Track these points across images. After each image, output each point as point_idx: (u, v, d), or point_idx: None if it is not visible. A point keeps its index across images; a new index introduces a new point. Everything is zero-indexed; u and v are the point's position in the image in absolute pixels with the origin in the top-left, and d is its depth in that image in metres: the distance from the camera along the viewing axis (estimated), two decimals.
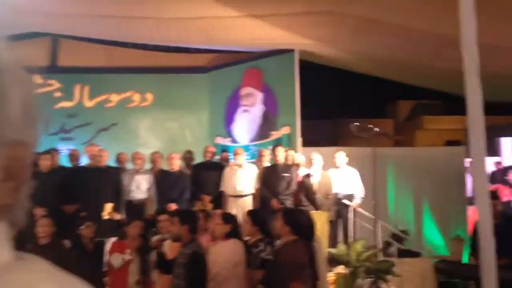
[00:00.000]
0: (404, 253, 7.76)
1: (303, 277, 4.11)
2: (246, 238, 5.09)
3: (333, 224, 7.86)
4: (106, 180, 7.75)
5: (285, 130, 9.72)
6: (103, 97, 10.88)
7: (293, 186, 7.93)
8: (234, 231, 4.82)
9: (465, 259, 7.87)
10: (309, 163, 8.24)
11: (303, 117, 9.68)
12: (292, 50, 9.74)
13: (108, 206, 7.32)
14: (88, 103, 10.87)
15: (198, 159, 8.82)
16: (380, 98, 14.71)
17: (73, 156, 8.28)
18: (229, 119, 10.64)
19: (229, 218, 4.96)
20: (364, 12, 7.81)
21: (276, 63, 10.10)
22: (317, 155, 8.25)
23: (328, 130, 14.56)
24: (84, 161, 8.57)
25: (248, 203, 7.93)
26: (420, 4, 7.09)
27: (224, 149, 9.92)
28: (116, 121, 10.75)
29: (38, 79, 10.68)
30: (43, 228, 5.51)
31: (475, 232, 5.63)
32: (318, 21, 8.20)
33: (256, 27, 8.63)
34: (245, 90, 10.52)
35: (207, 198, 8.03)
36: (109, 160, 8.22)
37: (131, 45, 10.49)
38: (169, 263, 4.65)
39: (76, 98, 10.87)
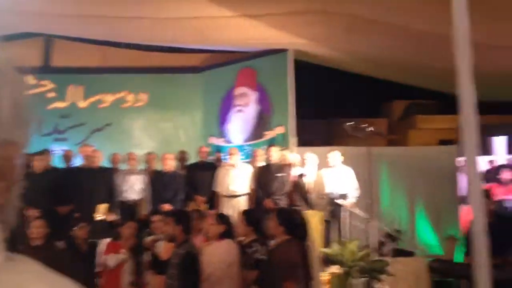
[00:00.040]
0: (398, 253, 7.77)
1: (296, 277, 4.13)
2: (241, 238, 5.09)
3: (327, 223, 7.87)
4: (100, 181, 7.74)
5: (279, 130, 9.72)
6: (97, 97, 10.84)
7: (287, 186, 7.94)
8: (228, 232, 4.83)
9: (457, 258, 7.89)
10: (303, 162, 8.24)
11: (298, 117, 9.68)
12: (286, 50, 9.75)
13: (102, 207, 7.30)
14: (82, 104, 10.83)
15: (193, 159, 8.82)
16: (374, 98, 14.71)
17: (67, 157, 8.26)
18: (223, 119, 10.63)
19: (223, 219, 4.97)
20: (358, 12, 7.82)
21: (270, 63, 10.10)
22: (311, 154, 8.26)
23: (322, 129, 14.55)
24: (77, 161, 8.55)
25: (241, 203, 7.93)
26: (415, 4, 7.10)
27: (218, 149, 9.91)
28: (110, 122, 10.72)
29: (31, 79, 10.65)
30: (36, 229, 5.50)
31: (469, 231, 5.65)
32: (312, 20, 8.20)
33: (250, 27, 8.63)
34: (239, 90, 10.51)
35: (201, 199, 8.03)
36: (103, 161, 8.20)
37: (124, 45, 10.46)
38: (163, 263, 4.65)
39: (69, 98, 10.83)
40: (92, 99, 10.83)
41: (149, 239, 5.52)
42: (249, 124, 10.28)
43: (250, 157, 8.96)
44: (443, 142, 11.73)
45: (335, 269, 6.56)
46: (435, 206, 9.81)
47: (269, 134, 9.85)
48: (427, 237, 9.71)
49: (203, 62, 11.35)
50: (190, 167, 8.57)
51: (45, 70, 10.75)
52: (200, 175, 8.28)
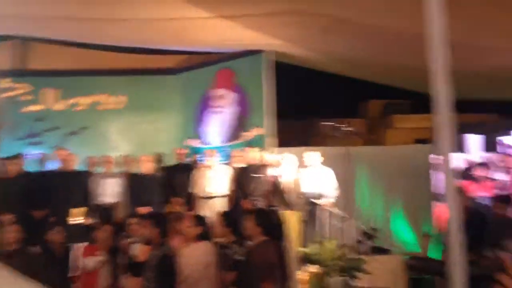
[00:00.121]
0: (375, 251, 7.84)
1: (274, 278, 4.14)
2: (218, 239, 5.09)
3: (305, 223, 7.90)
4: (75, 185, 7.67)
5: (257, 131, 9.73)
6: (72, 100, 10.72)
7: (265, 187, 7.95)
8: (205, 233, 4.82)
9: (431, 254, 7.99)
10: (281, 163, 8.26)
11: (276, 118, 9.70)
12: (264, 51, 9.76)
13: (78, 211, 7.23)
14: (57, 107, 10.71)
15: (170, 161, 8.78)
16: (351, 98, 14.81)
17: (42, 161, 8.15)
18: (201, 120, 10.60)
19: (200, 220, 4.96)
20: (334, 12, 7.86)
21: (248, 64, 10.10)
22: (288, 155, 8.29)
23: (300, 130, 14.61)
24: (53, 165, 8.44)
25: (218, 205, 7.92)
26: (390, 4, 7.16)
27: (196, 151, 9.88)
28: (87, 125, 10.62)
29: (5, 82, 10.50)
30: (11, 234, 5.42)
31: (446, 229, 5.72)
32: (288, 21, 8.22)
33: (227, 28, 8.62)
34: (217, 92, 10.49)
35: (178, 201, 7.99)
36: (79, 164, 8.11)
37: (100, 47, 10.35)
38: (139, 265, 4.62)
39: (45, 101, 10.70)
40: (68, 102, 10.71)
41: (125, 241, 5.47)
42: (227, 125, 10.27)
43: (228, 159, 8.95)
44: (419, 141, 11.87)
45: (313, 268, 6.60)
46: (412, 204, 9.94)
47: (247, 135, 9.85)
48: (404, 235, 9.82)
49: (180, 64, 11.30)
50: (167, 169, 8.53)
51: (20, 73, 10.61)
52: (177, 177, 8.25)
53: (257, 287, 4.08)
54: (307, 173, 8.28)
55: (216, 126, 10.37)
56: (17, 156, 7.76)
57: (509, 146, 9.78)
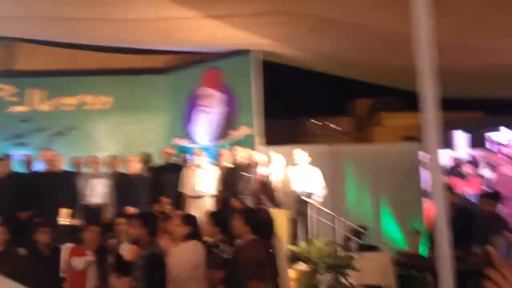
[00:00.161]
0: (364, 248, 7.87)
1: (262, 276, 4.13)
2: (207, 238, 5.07)
3: (294, 221, 7.91)
4: (62, 185, 7.61)
5: (245, 130, 9.72)
6: (59, 101, 10.65)
7: (253, 186, 7.95)
8: (194, 233, 4.80)
9: (421, 251, 8.04)
10: (269, 162, 8.26)
11: (264, 117, 9.70)
12: (251, 50, 9.75)
13: (65, 211, 7.17)
14: (44, 107, 10.63)
15: (157, 161, 8.74)
16: (340, 97, 14.85)
17: (28, 162, 8.07)
18: (189, 120, 10.57)
19: (188, 220, 4.93)
20: (321, 12, 7.87)
21: (236, 63, 10.09)
22: (276, 154, 8.29)
23: (288, 129, 14.62)
24: (39, 166, 8.37)
25: (207, 204, 7.91)
26: (376, 4, 7.19)
27: (184, 150, 9.85)
28: (73, 125, 10.56)
29: None
30: None
31: (433, 225, 5.75)
32: (276, 21, 8.23)
33: (214, 27, 8.60)
34: (204, 91, 10.47)
35: (166, 200, 7.97)
36: (65, 165, 8.05)
37: (87, 47, 10.28)
38: (127, 265, 4.59)
39: (31, 102, 10.62)
40: (55, 103, 10.64)
41: (113, 241, 5.44)
42: (214, 124, 10.25)
43: (216, 158, 8.94)
44: (407, 139, 11.93)
45: (302, 266, 6.61)
46: (400, 201, 9.98)
47: (235, 134, 9.84)
48: (392, 232, 9.86)
49: (168, 63, 11.27)
50: (154, 169, 8.50)
51: (6, 74, 10.51)
52: (165, 177, 8.23)
53: (246, 286, 4.07)
54: (296, 171, 8.28)
55: (204, 125, 10.35)
56: (3, 158, 7.68)
57: (497, 143, 9.88)
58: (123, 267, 4.73)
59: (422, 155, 9.28)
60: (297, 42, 9.37)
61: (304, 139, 12.47)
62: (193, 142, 10.33)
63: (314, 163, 8.62)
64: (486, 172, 9.47)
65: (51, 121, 10.51)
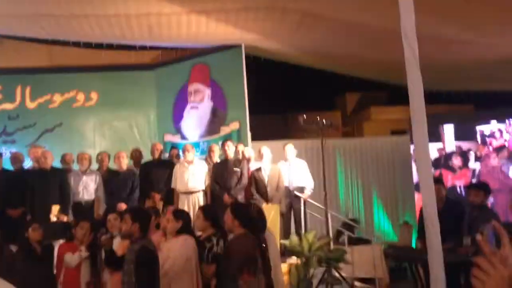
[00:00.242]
0: (355, 241, 7.93)
1: (253, 270, 4.15)
2: (199, 233, 5.09)
3: (285, 216, 7.93)
4: (52, 182, 7.56)
5: (234, 125, 9.73)
6: (46, 97, 10.58)
7: (244, 181, 7.96)
8: (185, 227, 4.81)
9: (414, 244, 8.10)
10: (259, 157, 8.28)
11: (253, 112, 9.71)
12: (239, 45, 9.74)
13: (55, 209, 7.14)
14: (31, 104, 10.56)
15: (147, 157, 8.73)
16: (328, 91, 14.92)
17: (16, 159, 8.00)
18: (177, 116, 10.55)
19: (180, 215, 4.93)
20: (307, 7, 7.89)
21: (223, 58, 10.08)
22: (266, 149, 8.30)
23: (278, 123, 14.68)
24: (27, 163, 8.33)
25: (199, 199, 7.92)
26: (362, 0, 7.23)
27: (174, 146, 9.84)
28: (61, 122, 10.50)
29: None
30: None
31: (421, 217, 5.80)
32: (262, 16, 8.23)
33: (200, 23, 8.58)
34: (192, 87, 10.45)
35: (157, 196, 7.96)
36: (54, 162, 8.01)
37: (73, 43, 10.22)
38: (118, 259, 4.59)
39: (17, 99, 10.54)
40: (41, 100, 10.57)
41: (104, 237, 5.43)
42: (204, 120, 10.25)
43: (206, 153, 8.94)
44: (396, 132, 12.01)
45: (294, 260, 6.64)
46: (390, 195, 10.06)
47: (224, 130, 9.84)
48: (383, 224, 9.94)
49: (155, 59, 11.24)
50: (144, 165, 8.48)
51: None
52: (155, 173, 8.21)
53: (236, 280, 4.10)
54: (286, 166, 8.31)
55: (193, 121, 10.34)
56: None
57: (486, 136, 9.96)
58: (115, 262, 4.73)
59: (412, 148, 9.35)
60: (285, 37, 9.38)
61: (293, 134, 12.51)
62: (183, 137, 10.32)
63: (304, 157, 8.65)
64: (476, 165, 9.56)
65: (38, 118, 10.44)
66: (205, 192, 8.08)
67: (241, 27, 8.76)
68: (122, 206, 7.44)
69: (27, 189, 7.44)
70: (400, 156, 10.07)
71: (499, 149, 9.58)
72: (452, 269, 4.62)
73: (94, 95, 10.73)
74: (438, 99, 10.84)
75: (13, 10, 7.87)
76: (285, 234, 7.59)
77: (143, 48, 10.82)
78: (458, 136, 10.12)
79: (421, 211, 5.57)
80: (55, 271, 5.90)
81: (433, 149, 9.81)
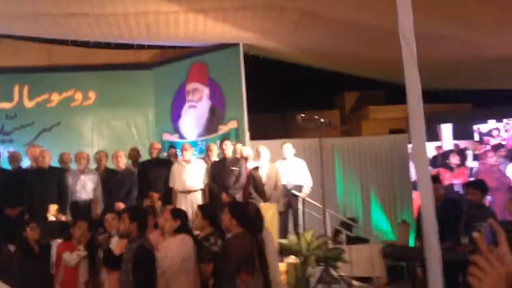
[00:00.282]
0: (353, 240, 7.93)
1: (251, 269, 4.15)
2: (197, 232, 5.08)
3: (283, 215, 7.93)
4: (50, 181, 7.55)
5: (232, 124, 9.72)
6: (43, 97, 10.57)
7: (242, 180, 7.95)
8: (183, 227, 4.80)
9: (411, 243, 8.11)
10: (257, 156, 8.28)
11: (251, 111, 9.71)
12: (237, 44, 9.74)
13: (53, 208, 7.13)
14: (28, 104, 10.54)
15: (146, 156, 8.73)
16: (327, 90, 14.93)
17: (14, 158, 7.99)
18: (175, 115, 10.55)
19: (178, 214, 4.93)
20: (305, 6, 7.89)
21: (222, 57, 10.07)
22: (264, 147, 8.30)
23: (276, 122, 14.68)
24: (25, 163, 8.32)
25: (197, 199, 7.92)
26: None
27: (172, 145, 9.83)
28: (59, 121, 10.49)
29: None
30: None
31: (419, 216, 5.80)
32: (260, 14, 8.23)
33: (198, 22, 8.58)
34: (191, 86, 10.45)
35: (155, 195, 7.95)
36: (52, 161, 8.00)
37: (71, 42, 10.21)
38: (116, 259, 4.59)
39: (15, 98, 10.52)
40: (39, 99, 10.56)
41: (102, 236, 5.44)
42: (202, 119, 10.24)
43: (204, 152, 8.93)
44: (394, 131, 12.02)
45: (292, 259, 6.64)
46: (388, 194, 10.06)
47: (222, 129, 9.84)
48: (381, 223, 9.95)
49: (153, 58, 11.23)
50: (142, 164, 8.48)
51: None
52: (153, 172, 8.20)
53: (234, 279, 4.10)
54: (284, 165, 8.31)
55: (191, 120, 10.34)
56: None
57: (483, 134, 9.98)
58: (112, 262, 4.73)
59: (410, 147, 9.36)
60: (283, 36, 9.38)
61: (292, 133, 12.52)
62: (182, 137, 10.32)
63: (303, 156, 8.65)
64: (473, 164, 9.57)
65: (36, 117, 10.44)
66: (203, 191, 8.08)
67: (239, 26, 8.75)
68: (120, 205, 7.44)
69: (25, 188, 7.43)
70: (398, 155, 10.08)
71: (496, 148, 9.59)
72: (450, 268, 4.63)
73: (92, 94, 10.73)
74: (436, 98, 10.85)
75: (11, 9, 7.85)
76: (283, 233, 7.59)
77: (141, 47, 10.81)
78: (456, 135, 10.13)
79: (419, 210, 5.57)
80: (53, 271, 5.89)
81: (431, 148, 9.82)
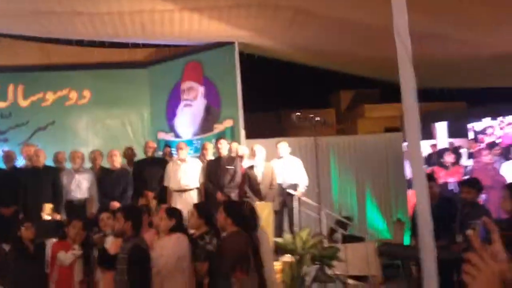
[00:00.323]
0: (349, 239, 7.93)
1: (246, 268, 4.15)
2: (192, 231, 5.08)
3: (278, 214, 7.92)
4: (44, 181, 7.54)
5: (228, 123, 9.71)
6: (38, 96, 10.53)
7: (238, 178, 7.95)
8: (178, 225, 4.80)
9: (406, 241, 8.12)
10: (252, 154, 8.27)
11: (247, 110, 9.70)
12: (232, 43, 9.72)
13: (48, 207, 7.11)
14: (23, 103, 10.50)
15: (141, 155, 8.71)
16: (322, 89, 14.94)
17: (8, 157, 7.96)
18: (171, 114, 10.53)
19: (173, 213, 4.92)
20: (300, 4, 7.89)
21: (217, 56, 10.06)
22: (259, 146, 8.29)
23: (272, 121, 14.68)
24: (20, 162, 8.29)
25: (192, 198, 7.91)
26: None
27: (167, 144, 9.82)
28: (54, 120, 10.45)
29: None
30: None
31: (414, 214, 5.81)
32: (255, 13, 8.23)
33: (193, 20, 8.57)
34: (186, 84, 10.43)
35: (150, 194, 7.94)
36: (47, 160, 7.98)
37: (65, 41, 10.17)
38: (111, 258, 4.58)
39: (10, 98, 10.48)
40: (34, 98, 10.52)
41: (97, 235, 5.43)
42: (197, 118, 10.23)
43: (199, 151, 8.92)
44: (390, 130, 12.04)
45: (287, 258, 6.64)
46: (383, 192, 10.07)
47: (218, 128, 9.83)
48: (376, 222, 9.96)
49: (148, 57, 11.20)
50: (138, 163, 8.46)
51: None
52: (148, 171, 8.19)
53: (229, 278, 4.10)
54: (280, 164, 8.30)
55: (187, 119, 10.32)
56: None
57: (478, 133, 10.00)
58: (107, 261, 4.72)
59: (405, 146, 9.37)
60: (277, 34, 9.37)
61: (287, 131, 12.52)
62: (177, 135, 10.30)
63: (298, 154, 8.64)
64: (468, 162, 9.59)
65: (31, 116, 10.40)
66: (199, 190, 8.07)
67: (234, 24, 8.74)
68: (115, 204, 7.42)
69: (20, 187, 7.42)
70: (394, 153, 10.09)
71: (491, 146, 9.61)
72: (445, 266, 4.63)
73: (87, 93, 10.69)
74: (431, 96, 10.87)
75: (6, 8, 7.81)
76: (279, 232, 7.59)
77: (136, 46, 10.79)
78: (451, 133, 10.15)
79: (414, 208, 5.58)
80: (47, 270, 5.88)
81: (426, 146, 9.83)
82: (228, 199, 7.37)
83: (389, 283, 7.32)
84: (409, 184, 9.38)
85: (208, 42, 10.07)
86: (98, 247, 4.88)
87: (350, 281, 6.93)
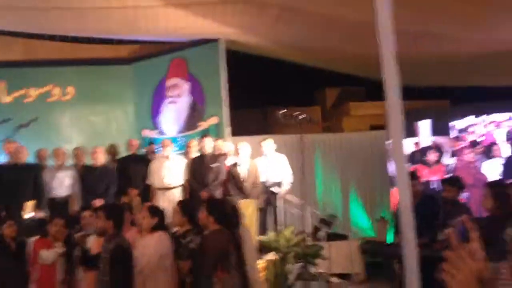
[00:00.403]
0: (333, 237, 7.94)
1: (227, 266, 4.15)
2: (176, 229, 5.05)
3: (262, 212, 7.91)
4: (26, 178, 7.45)
5: (212, 120, 9.68)
6: (21, 92, 10.40)
7: (222, 176, 7.92)
8: (161, 224, 4.77)
9: (389, 239, 8.15)
10: (237, 152, 8.24)
11: (232, 107, 9.67)
12: (217, 40, 9.68)
13: (30, 205, 7.03)
14: (6, 99, 10.37)
15: (123, 152, 8.65)
16: (308, 86, 14.93)
17: None
18: (155, 111, 10.46)
19: (155, 211, 4.90)
20: (285, 1, 7.87)
21: (202, 52, 10.01)
22: (244, 144, 8.26)
23: (258, 118, 14.64)
24: (1, 159, 8.19)
25: (176, 195, 7.87)
26: None
27: (151, 141, 9.76)
28: (36, 117, 10.33)
29: None
30: None
31: (397, 212, 5.83)
32: (240, 9, 8.20)
33: (178, 16, 8.51)
34: (171, 81, 10.37)
35: (134, 192, 7.89)
36: (29, 157, 7.89)
37: (48, 37, 10.05)
38: (93, 258, 4.54)
39: None
40: (16, 94, 10.39)
41: (79, 234, 5.38)
42: (182, 115, 10.18)
43: (184, 148, 8.88)
44: (375, 128, 12.06)
45: (271, 256, 6.63)
46: (368, 190, 10.11)
47: (202, 125, 9.79)
48: (361, 220, 9.99)
49: (132, 53, 11.11)
50: (121, 161, 8.40)
51: None
52: (132, 169, 8.14)
53: (211, 276, 4.09)
54: (264, 161, 8.28)
55: (171, 116, 10.27)
56: None
57: (461, 131, 10.06)
58: (89, 260, 4.68)
59: (388, 143, 9.39)
60: (263, 31, 9.35)
61: (272, 129, 12.50)
62: (161, 133, 10.24)
63: (284, 152, 8.63)
64: (450, 160, 9.65)
65: (13, 113, 10.27)
66: (183, 187, 8.04)
67: (219, 21, 8.70)
68: (97, 202, 7.36)
69: (1, 185, 7.32)
70: (378, 151, 10.12)
71: (473, 144, 9.68)
72: (427, 264, 4.65)
73: (70, 90, 10.58)
74: (414, 94, 10.92)
75: None
76: (263, 230, 7.58)
77: (120, 42, 10.70)
78: (434, 131, 10.19)
79: (397, 206, 5.59)
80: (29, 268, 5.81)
81: (410, 144, 9.88)
82: (210, 197, 7.34)
83: (372, 281, 7.36)
84: (392, 182, 9.42)
85: (193, 39, 10.02)
86: (80, 247, 4.84)
87: (333, 279, 6.95)
